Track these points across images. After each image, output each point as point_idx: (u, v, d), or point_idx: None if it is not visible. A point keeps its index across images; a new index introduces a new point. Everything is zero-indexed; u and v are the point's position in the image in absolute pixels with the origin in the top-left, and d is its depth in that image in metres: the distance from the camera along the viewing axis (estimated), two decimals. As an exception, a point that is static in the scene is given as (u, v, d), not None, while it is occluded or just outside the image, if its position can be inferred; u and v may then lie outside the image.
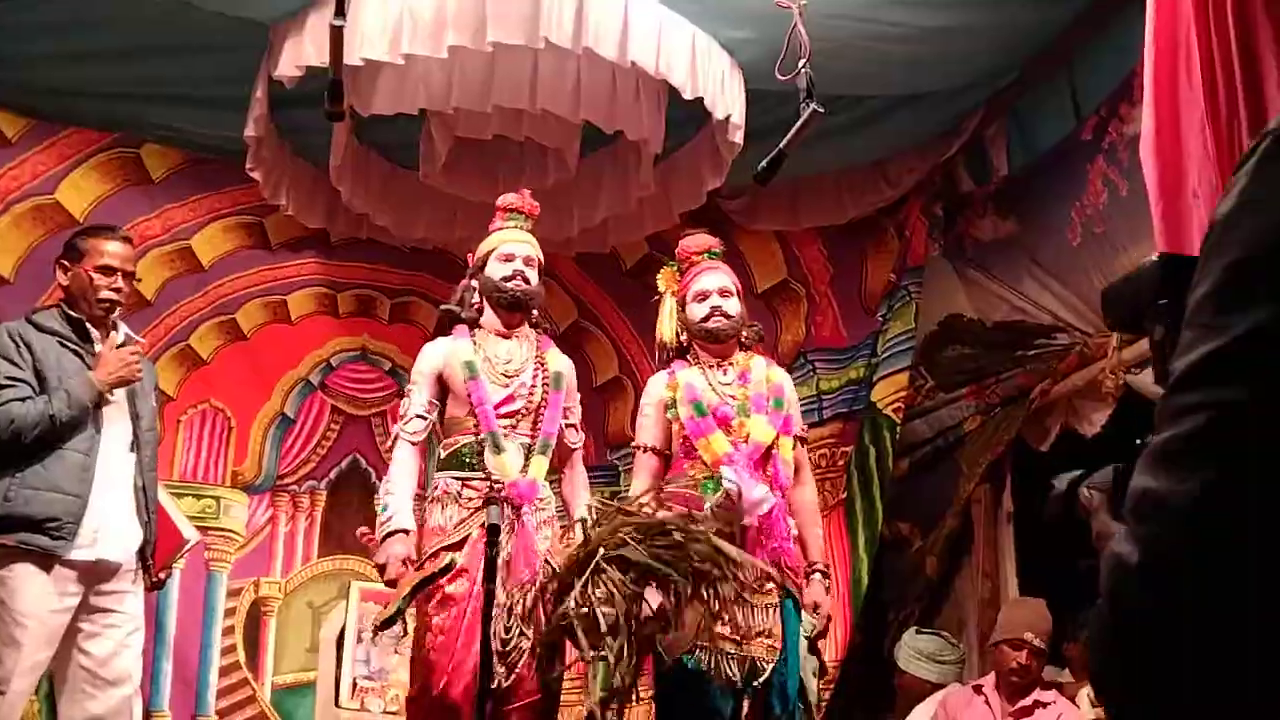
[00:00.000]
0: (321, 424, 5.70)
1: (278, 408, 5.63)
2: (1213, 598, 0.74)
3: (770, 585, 3.53)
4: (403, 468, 3.65)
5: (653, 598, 2.99)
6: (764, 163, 3.85)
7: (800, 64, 3.62)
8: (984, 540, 5.30)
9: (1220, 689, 0.74)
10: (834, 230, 5.86)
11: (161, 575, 3.98)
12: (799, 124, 3.71)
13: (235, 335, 5.56)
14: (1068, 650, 4.80)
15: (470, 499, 3.56)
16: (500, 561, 3.42)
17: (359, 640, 5.53)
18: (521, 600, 3.35)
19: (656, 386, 3.84)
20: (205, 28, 4.34)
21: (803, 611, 3.65)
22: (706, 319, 3.80)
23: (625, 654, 2.91)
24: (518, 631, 3.39)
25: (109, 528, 3.66)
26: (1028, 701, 4.21)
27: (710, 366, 3.81)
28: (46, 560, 3.53)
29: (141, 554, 3.80)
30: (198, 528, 4.60)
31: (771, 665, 3.49)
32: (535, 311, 3.87)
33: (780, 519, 3.60)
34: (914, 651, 4.93)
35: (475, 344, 3.75)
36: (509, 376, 3.71)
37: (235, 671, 5.35)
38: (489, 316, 3.81)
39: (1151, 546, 0.77)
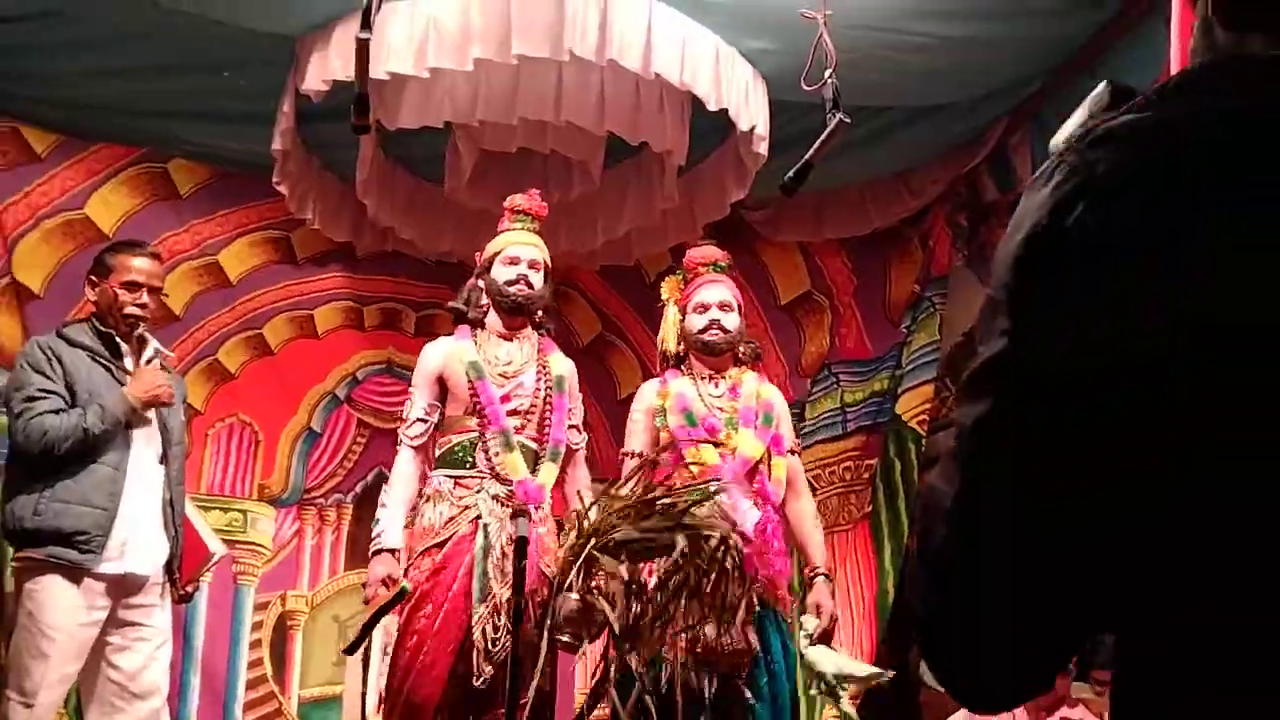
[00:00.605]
0: (348, 438, 5.72)
1: (304, 422, 5.65)
2: (969, 584, 0.86)
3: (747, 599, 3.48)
4: (400, 478, 3.66)
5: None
6: (791, 173, 3.85)
7: (826, 74, 3.62)
8: (1010, 552, 5.26)
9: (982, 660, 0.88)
10: (858, 241, 5.85)
11: (188, 589, 4.00)
12: (825, 134, 3.71)
13: (262, 350, 5.59)
14: (1095, 674, 4.75)
15: (461, 496, 3.57)
16: (493, 561, 3.45)
17: (385, 654, 5.52)
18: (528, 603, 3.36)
19: (648, 393, 3.87)
20: (232, 43, 4.37)
21: (805, 615, 3.66)
22: (704, 331, 3.81)
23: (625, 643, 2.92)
24: (505, 632, 3.39)
25: (137, 541, 3.68)
26: (1055, 719, 4.18)
27: (703, 378, 3.83)
28: (75, 573, 3.55)
29: (169, 567, 3.83)
30: (225, 541, 4.62)
31: (742, 675, 3.46)
32: (540, 314, 3.87)
33: (774, 535, 3.60)
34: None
35: (476, 344, 3.75)
36: (507, 378, 3.71)
37: (262, 684, 5.36)
38: (492, 318, 3.81)
39: (922, 536, 0.90)
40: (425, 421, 3.69)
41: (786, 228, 5.76)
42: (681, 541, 2.93)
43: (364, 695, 5.45)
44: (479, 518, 3.52)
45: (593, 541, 2.98)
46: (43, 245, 5.05)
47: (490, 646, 3.39)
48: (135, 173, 5.24)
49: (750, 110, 4.36)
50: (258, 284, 5.56)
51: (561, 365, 3.85)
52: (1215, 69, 1.03)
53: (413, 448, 3.69)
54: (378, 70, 3.87)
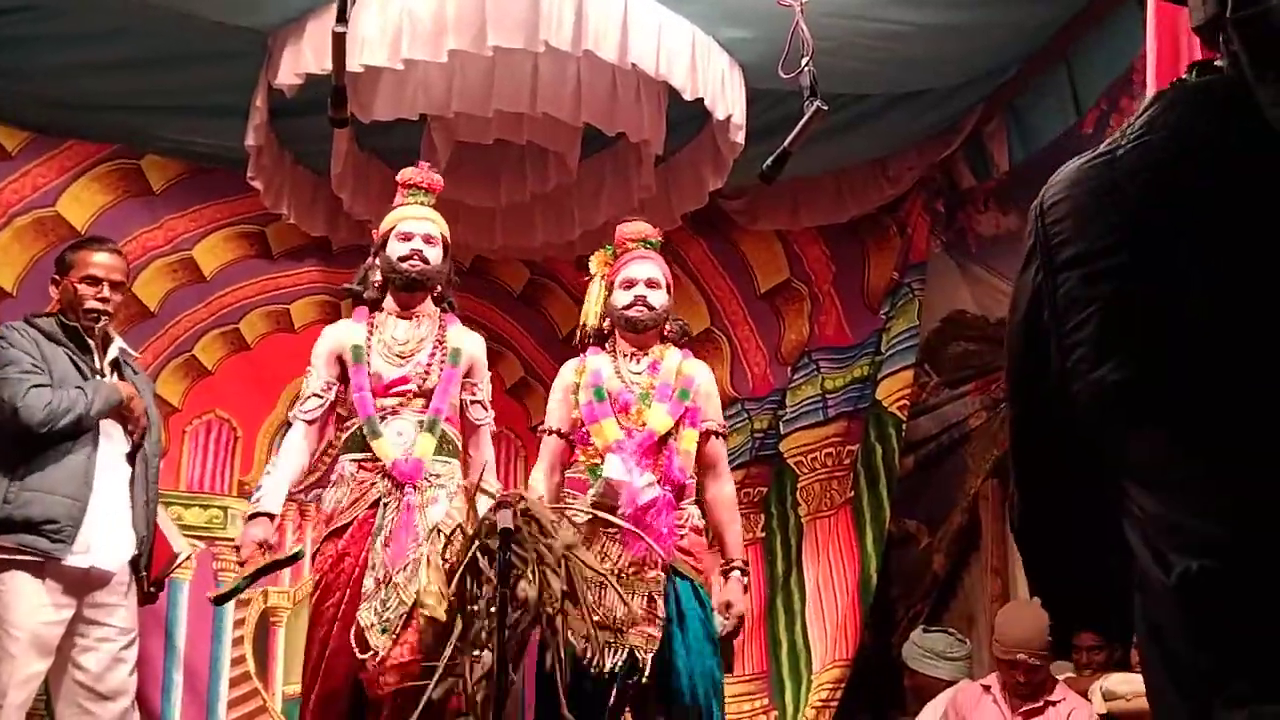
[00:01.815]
0: (327, 433, 5.68)
1: (283, 417, 5.59)
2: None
3: (653, 573, 3.46)
4: (290, 448, 3.65)
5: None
6: (768, 162, 3.84)
7: (803, 62, 3.61)
8: (992, 536, 5.30)
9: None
10: (836, 229, 5.86)
11: (152, 589, 3.96)
12: (802, 123, 3.70)
13: (239, 345, 5.55)
14: (1079, 639, 4.75)
15: (363, 480, 3.54)
16: (381, 539, 3.44)
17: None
18: (402, 572, 3.38)
19: (567, 371, 3.82)
20: (204, 37, 4.34)
21: (715, 614, 3.58)
22: (628, 307, 3.73)
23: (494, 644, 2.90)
24: (397, 602, 3.38)
25: (102, 535, 3.65)
26: (1037, 702, 4.19)
27: (625, 355, 3.76)
28: (40, 569, 3.52)
29: (135, 564, 3.80)
30: (205, 539, 4.60)
31: (650, 654, 3.40)
32: (439, 289, 3.82)
33: (663, 511, 3.50)
34: (925, 651, 4.92)
35: (375, 325, 3.72)
36: (404, 357, 3.68)
37: (245, 682, 5.33)
38: (389, 299, 3.78)
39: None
40: (320, 397, 3.67)
41: (764, 216, 5.75)
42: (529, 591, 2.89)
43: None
44: (378, 500, 3.51)
45: (475, 545, 2.95)
46: (14, 244, 5.00)
47: (380, 621, 3.37)
48: (107, 169, 5.19)
49: (727, 99, 4.35)
50: (233, 279, 5.52)
51: (460, 339, 3.79)
52: (1172, 102, 1.19)
53: (306, 422, 3.67)
54: (352, 63, 3.84)
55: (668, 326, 3.83)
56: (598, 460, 3.59)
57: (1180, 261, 1.16)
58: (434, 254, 3.76)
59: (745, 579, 3.70)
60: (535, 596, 2.86)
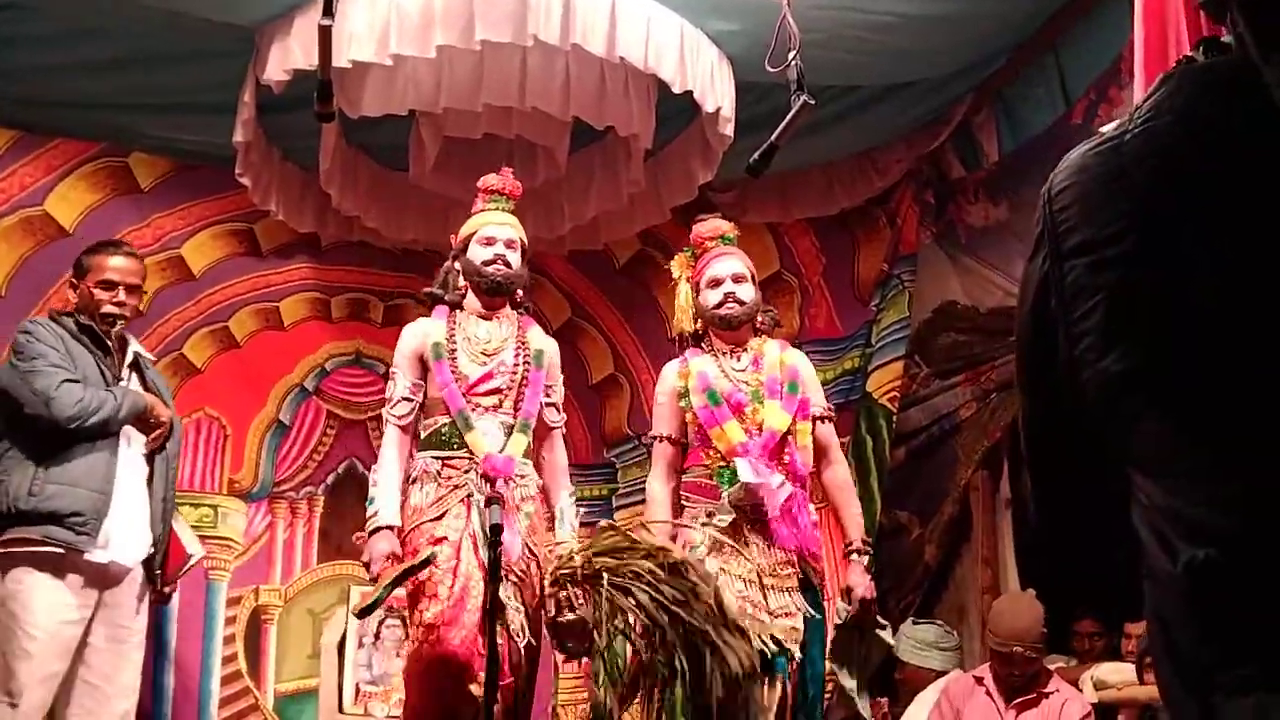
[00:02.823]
0: (317, 429, 5.68)
1: (273, 414, 5.61)
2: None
3: (789, 571, 3.53)
4: (390, 457, 3.62)
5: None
6: (756, 155, 3.84)
7: (790, 55, 3.61)
8: (983, 527, 5.30)
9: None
10: (825, 221, 5.86)
11: (166, 590, 4.00)
12: (790, 115, 3.69)
13: (228, 343, 5.54)
14: (1079, 626, 4.76)
15: (449, 477, 3.52)
16: (479, 532, 3.40)
17: (360, 645, 5.51)
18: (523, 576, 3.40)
19: (670, 375, 3.82)
20: (191, 34, 4.32)
21: (840, 600, 3.67)
22: (720, 305, 3.76)
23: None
24: (512, 606, 3.37)
25: (122, 532, 3.68)
26: (1030, 694, 4.20)
27: (724, 353, 3.79)
28: (59, 568, 3.54)
29: (149, 564, 3.81)
30: (196, 536, 4.58)
31: (796, 645, 3.45)
32: (519, 293, 3.83)
33: (801, 509, 3.59)
34: (916, 642, 4.93)
35: (456, 324, 3.71)
36: (488, 355, 3.67)
37: (237, 680, 5.33)
38: (470, 299, 3.77)
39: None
40: (410, 400, 3.65)
41: (754, 209, 5.75)
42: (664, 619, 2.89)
43: (340, 687, 5.45)
44: (470, 495, 3.48)
45: (606, 577, 2.94)
46: (2, 243, 4.99)
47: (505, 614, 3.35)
48: (95, 167, 5.17)
49: (716, 92, 4.35)
50: (222, 277, 5.51)
51: (541, 341, 3.81)
52: (1174, 88, 1.17)
53: (399, 427, 3.64)
54: (340, 58, 3.83)
55: (759, 318, 3.86)
56: (724, 464, 3.60)
57: (1187, 247, 1.15)
58: (515, 258, 3.76)
59: (866, 559, 3.74)
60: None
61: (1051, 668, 4.33)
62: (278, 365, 5.65)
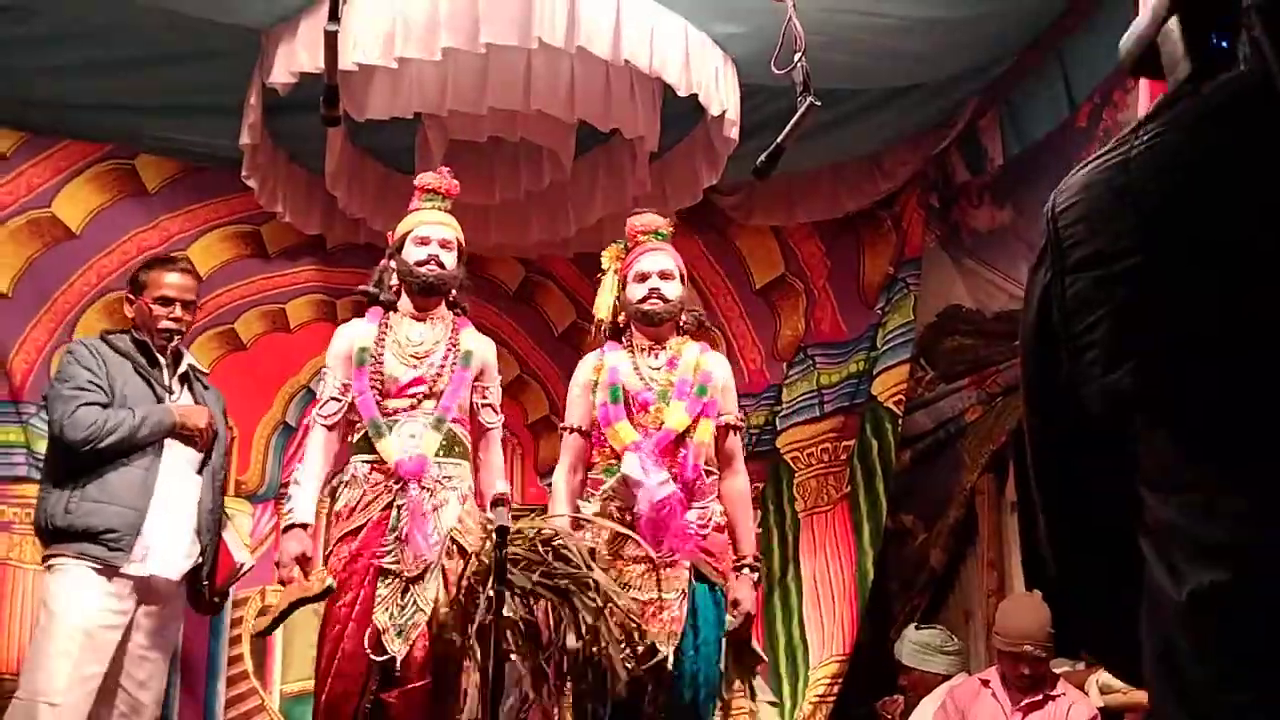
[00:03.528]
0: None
1: (279, 416, 5.62)
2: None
3: (675, 571, 3.48)
4: (313, 455, 3.67)
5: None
6: (762, 158, 3.84)
7: (796, 58, 3.61)
8: (989, 530, 5.30)
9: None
10: (831, 224, 5.87)
11: (216, 600, 4.06)
12: (796, 118, 3.69)
13: (235, 345, 5.55)
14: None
15: (376, 482, 3.55)
16: (394, 538, 3.45)
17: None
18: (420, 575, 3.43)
19: (585, 368, 3.81)
20: (198, 36, 4.33)
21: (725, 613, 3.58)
22: (643, 300, 3.73)
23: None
24: (414, 608, 3.41)
25: (164, 545, 3.72)
26: (1036, 696, 4.19)
27: (642, 350, 3.75)
28: (102, 573, 3.59)
29: (195, 576, 3.85)
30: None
31: (670, 649, 3.40)
32: (454, 293, 3.84)
33: (677, 510, 3.50)
34: (920, 646, 4.93)
35: (388, 326, 3.72)
36: (418, 358, 3.69)
37: (243, 681, 5.33)
38: (404, 300, 3.79)
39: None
40: (338, 400, 3.69)
41: (759, 212, 5.76)
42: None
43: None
44: (392, 502, 3.51)
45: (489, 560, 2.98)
46: (10, 244, 5.00)
47: (395, 625, 3.40)
48: (102, 169, 5.19)
49: (721, 95, 4.35)
50: (228, 278, 5.51)
51: (472, 342, 3.81)
52: (1175, 107, 1.16)
53: (326, 427, 3.69)
54: (346, 61, 3.84)
55: (683, 318, 3.82)
56: (613, 461, 3.60)
57: (1196, 264, 1.13)
58: (450, 259, 3.77)
59: (756, 575, 3.70)
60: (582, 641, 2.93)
61: (1058, 671, 4.32)
62: (284, 367, 5.65)
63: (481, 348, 3.83)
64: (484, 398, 3.81)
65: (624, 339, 3.82)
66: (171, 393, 3.91)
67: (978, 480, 5.31)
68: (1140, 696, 4.16)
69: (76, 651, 3.53)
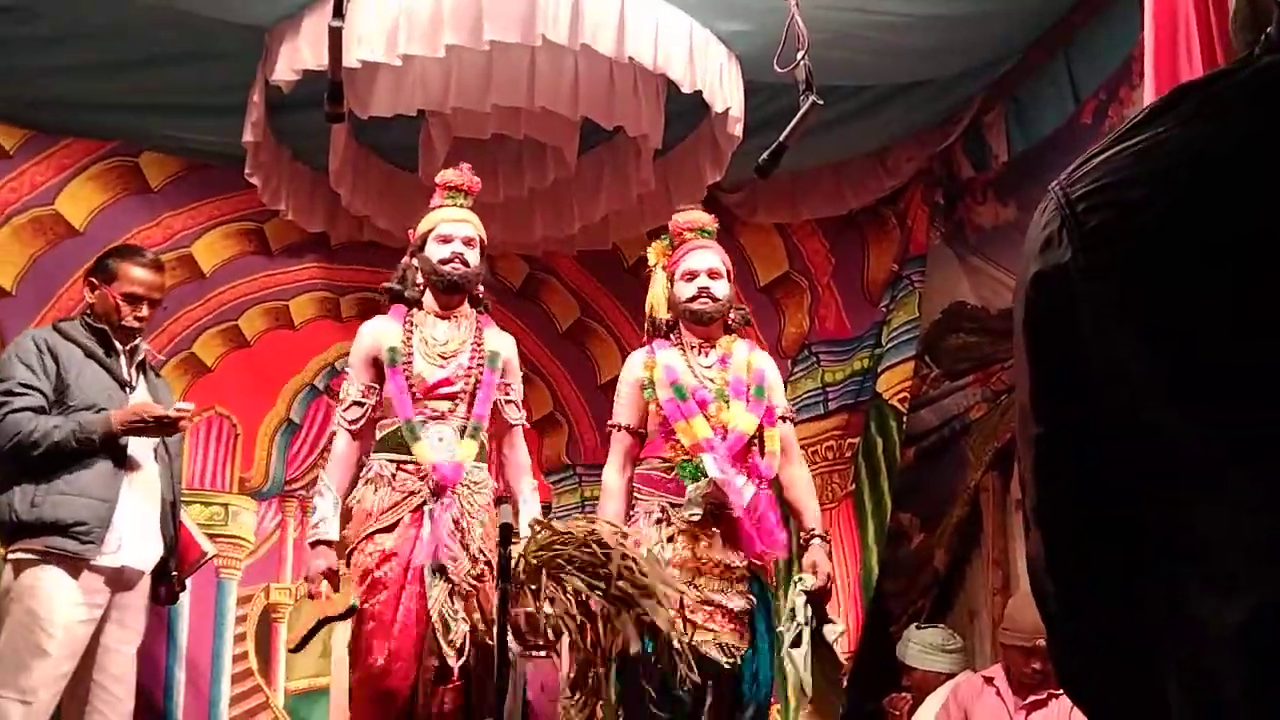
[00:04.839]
0: (328, 428, 5.67)
1: (283, 413, 5.62)
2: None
3: (742, 570, 3.54)
4: (337, 464, 3.66)
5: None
6: (765, 155, 3.84)
7: (799, 55, 3.60)
8: (994, 528, 5.29)
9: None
10: (835, 221, 5.86)
11: (179, 589, 4.01)
12: (799, 116, 3.70)
13: (239, 342, 5.55)
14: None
15: (404, 482, 3.54)
16: (427, 541, 3.44)
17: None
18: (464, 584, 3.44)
19: (635, 365, 3.80)
20: (201, 34, 4.33)
21: (803, 574, 3.64)
22: (692, 299, 3.74)
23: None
24: (459, 615, 3.42)
25: (133, 536, 3.68)
26: (1041, 695, 4.18)
27: (692, 348, 3.77)
28: (74, 566, 3.54)
29: (163, 566, 3.81)
30: (207, 535, 4.60)
31: (741, 651, 3.46)
32: (477, 291, 3.84)
33: (768, 512, 3.57)
34: (923, 646, 4.92)
35: (413, 325, 3.71)
36: (446, 358, 3.68)
37: (248, 679, 5.34)
38: (428, 297, 3.78)
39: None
40: (362, 405, 3.67)
41: (763, 209, 5.75)
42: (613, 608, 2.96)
43: (350, 686, 5.45)
44: (423, 505, 3.50)
45: (544, 572, 2.98)
46: (13, 242, 4.99)
47: (448, 629, 3.41)
48: (105, 167, 5.18)
49: (725, 92, 4.34)
50: (232, 276, 5.52)
51: (496, 341, 3.81)
52: (1193, 94, 1.10)
53: (350, 432, 3.67)
54: (349, 58, 3.84)
55: (731, 315, 3.84)
56: (686, 458, 3.59)
57: (1240, 253, 1.04)
58: (473, 256, 3.76)
59: (827, 546, 3.75)
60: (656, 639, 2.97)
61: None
62: (288, 364, 5.66)
63: (505, 346, 3.84)
64: (507, 395, 3.81)
65: (672, 337, 3.82)
66: (132, 386, 3.81)
67: (982, 478, 5.29)
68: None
69: (50, 648, 3.47)
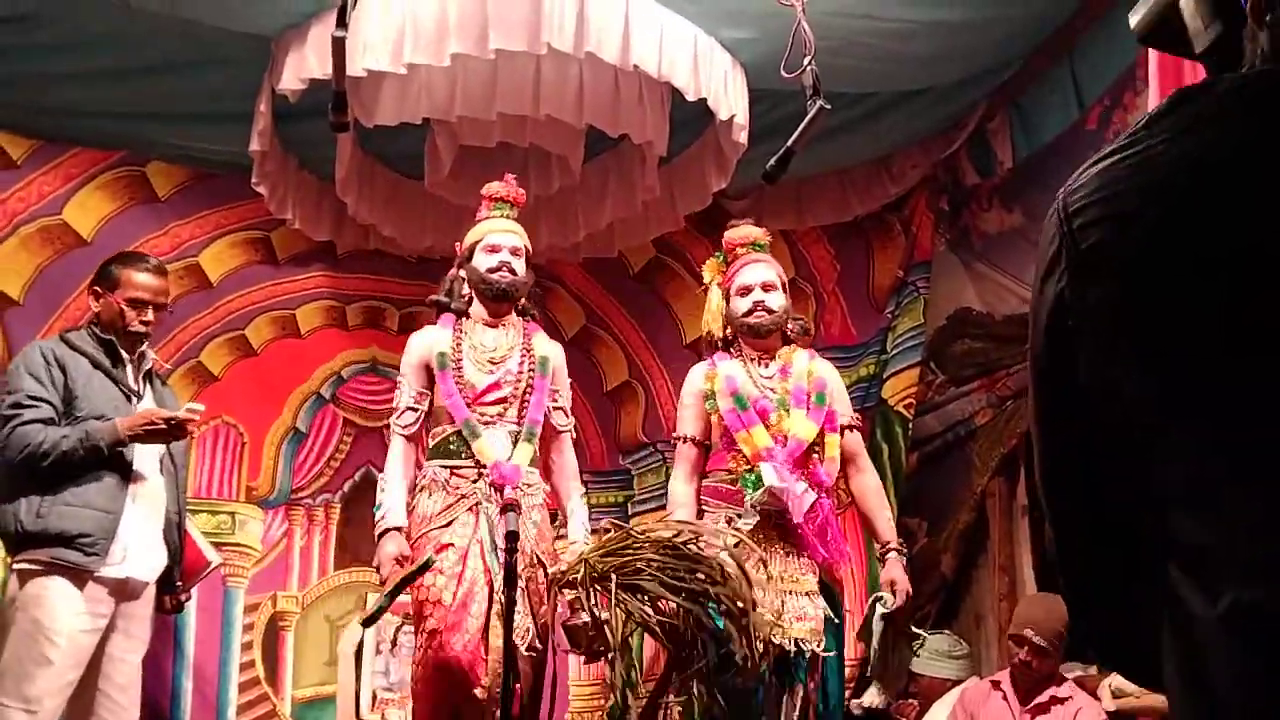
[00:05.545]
0: (334, 437, 5.69)
1: (289, 422, 5.63)
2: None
3: (808, 576, 3.55)
4: (397, 462, 3.69)
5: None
6: (772, 162, 3.84)
7: (805, 61, 3.61)
8: (1000, 534, 5.29)
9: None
10: (840, 228, 5.86)
11: (182, 598, 4.02)
12: (805, 122, 3.70)
13: (245, 351, 5.56)
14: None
15: (457, 486, 3.57)
16: (487, 538, 3.45)
17: (378, 652, 5.52)
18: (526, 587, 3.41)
19: (696, 377, 3.85)
20: (207, 43, 4.35)
21: (882, 594, 3.68)
22: (749, 314, 3.79)
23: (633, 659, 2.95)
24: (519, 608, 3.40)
25: (138, 546, 3.68)
26: (1044, 698, 4.17)
27: (752, 360, 3.81)
28: (79, 577, 3.54)
29: (168, 575, 3.82)
30: (213, 544, 4.62)
31: (817, 645, 3.49)
32: (523, 300, 3.88)
33: (831, 518, 3.61)
34: (929, 652, 4.91)
35: (462, 332, 3.75)
36: (495, 363, 3.73)
37: (255, 687, 5.34)
38: (476, 306, 3.83)
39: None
40: (415, 410, 3.72)
41: (769, 216, 5.72)
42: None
43: (358, 694, 5.46)
44: (478, 504, 3.52)
45: (614, 579, 2.98)
46: (21, 252, 5.01)
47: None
48: (113, 176, 5.20)
49: (730, 99, 4.35)
50: (239, 285, 5.53)
51: (546, 348, 3.85)
52: (1190, 101, 1.11)
53: (404, 436, 3.72)
54: (355, 67, 3.85)
55: (789, 326, 3.87)
56: (749, 468, 3.62)
57: (1232, 266, 1.05)
58: (519, 265, 3.83)
59: (903, 559, 3.77)
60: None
61: (1070, 676, 4.31)
62: (294, 373, 5.67)
63: (554, 353, 3.89)
64: (555, 401, 3.84)
65: (733, 350, 3.87)
66: (139, 395, 3.81)
67: (988, 484, 5.29)
68: (1152, 700, 4.14)
69: (55, 657, 3.47)
